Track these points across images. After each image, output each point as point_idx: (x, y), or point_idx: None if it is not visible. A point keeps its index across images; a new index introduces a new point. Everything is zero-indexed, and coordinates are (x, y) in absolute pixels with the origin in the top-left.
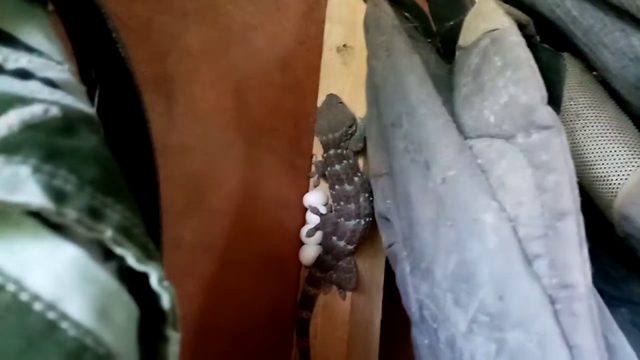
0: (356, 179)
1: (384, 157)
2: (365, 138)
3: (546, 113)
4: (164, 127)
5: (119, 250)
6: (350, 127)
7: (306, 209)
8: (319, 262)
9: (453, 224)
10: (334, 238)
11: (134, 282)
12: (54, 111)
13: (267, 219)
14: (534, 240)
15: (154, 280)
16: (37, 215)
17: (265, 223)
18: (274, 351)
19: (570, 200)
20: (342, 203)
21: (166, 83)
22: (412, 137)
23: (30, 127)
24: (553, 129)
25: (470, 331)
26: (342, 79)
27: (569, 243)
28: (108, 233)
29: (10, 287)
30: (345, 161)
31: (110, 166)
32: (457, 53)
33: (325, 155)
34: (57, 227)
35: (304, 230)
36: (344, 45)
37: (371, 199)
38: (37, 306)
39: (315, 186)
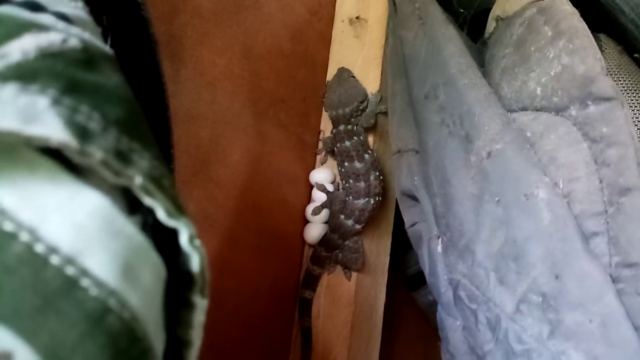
0: (367, 156)
1: (411, 131)
2: (376, 114)
3: (607, 84)
4: (170, 91)
5: (148, 201)
6: (361, 102)
7: (312, 187)
8: (324, 241)
9: (500, 201)
10: (342, 216)
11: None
12: (74, 42)
13: (272, 194)
14: (591, 218)
15: (184, 239)
16: (54, 157)
17: (270, 198)
18: (275, 329)
19: (637, 174)
20: (351, 181)
21: (173, 45)
22: (451, 109)
23: (48, 56)
24: (615, 100)
25: (518, 311)
26: (354, 53)
27: (635, 219)
28: (138, 179)
29: (24, 237)
30: (355, 137)
31: (135, 109)
32: (494, 24)
33: (334, 131)
34: (76, 171)
35: (310, 208)
36: (357, 17)
37: (381, 177)
38: (54, 260)
39: (322, 163)
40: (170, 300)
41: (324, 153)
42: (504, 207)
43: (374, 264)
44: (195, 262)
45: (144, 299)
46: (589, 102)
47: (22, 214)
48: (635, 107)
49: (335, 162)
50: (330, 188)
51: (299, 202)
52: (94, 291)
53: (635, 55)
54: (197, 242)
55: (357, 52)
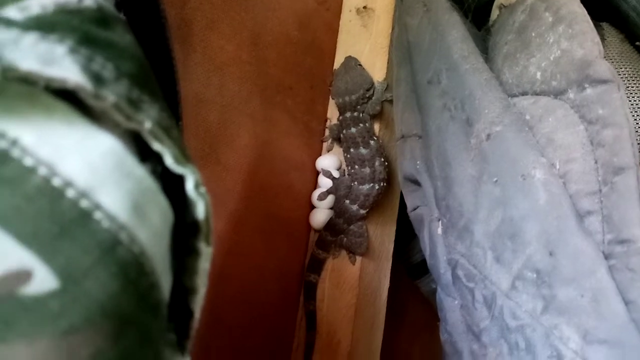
0: (372, 142)
1: (414, 117)
2: (382, 102)
3: (604, 66)
4: (179, 75)
5: (156, 146)
6: (368, 90)
7: (318, 173)
8: (329, 226)
9: (498, 181)
10: (347, 201)
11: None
12: (89, 2)
13: (278, 179)
14: (586, 197)
15: (190, 185)
16: (70, 101)
17: (276, 183)
18: (280, 312)
19: (630, 154)
20: (356, 166)
21: (184, 29)
22: (452, 93)
23: (65, 12)
24: (612, 83)
25: (513, 288)
26: (361, 42)
27: (628, 198)
28: (147, 124)
29: (42, 171)
30: (361, 124)
31: (146, 67)
32: (498, 12)
33: (340, 118)
34: (90, 116)
35: (316, 194)
36: (364, 7)
37: (386, 163)
38: (70, 193)
39: (328, 150)
40: (176, 248)
41: (330, 140)
42: (502, 187)
43: (378, 249)
44: (200, 209)
45: (152, 237)
46: (586, 85)
47: (41, 151)
48: (636, 94)
49: (341, 149)
50: (336, 174)
51: (305, 188)
52: (106, 223)
53: (637, 43)
54: (203, 189)
55: (364, 41)
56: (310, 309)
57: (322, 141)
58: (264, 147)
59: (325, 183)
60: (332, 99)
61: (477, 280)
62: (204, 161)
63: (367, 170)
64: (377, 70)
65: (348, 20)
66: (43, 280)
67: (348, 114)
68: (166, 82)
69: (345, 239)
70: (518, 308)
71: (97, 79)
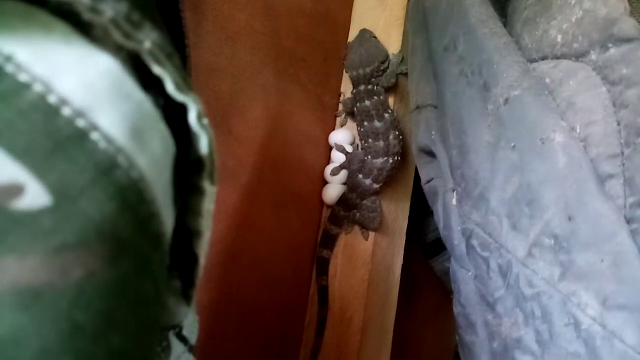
0: (387, 115)
1: (430, 86)
2: (397, 75)
3: (630, 24)
4: (190, 43)
5: (156, 70)
6: (382, 62)
7: (331, 148)
8: (342, 200)
9: (516, 146)
10: (360, 176)
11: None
12: None
13: (291, 152)
14: (607, 160)
15: (192, 116)
16: (68, 20)
17: (289, 156)
18: (292, 287)
19: None
20: (370, 140)
21: None
22: (470, 59)
23: None
24: (637, 41)
25: (530, 255)
26: (376, 14)
27: None
28: (147, 44)
29: (38, 87)
30: (375, 97)
31: (149, 1)
32: None
33: (354, 91)
34: (90, 36)
35: (329, 169)
36: None
37: (401, 137)
38: (66, 111)
39: (341, 125)
40: (180, 187)
41: (344, 115)
42: (520, 152)
43: (392, 225)
44: (204, 143)
45: (152, 164)
46: (610, 45)
47: (37, 67)
48: None
49: (354, 125)
50: (349, 149)
51: (318, 163)
52: (102, 144)
53: None
54: (205, 120)
55: (380, 14)
56: (323, 284)
57: (336, 115)
58: (276, 120)
59: (338, 158)
60: (346, 72)
61: (492, 249)
62: (215, 130)
63: (381, 143)
64: (392, 43)
65: None
66: (35, 195)
67: (362, 87)
68: (174, 39)
69: (358, 214)
70: (534, 276)
71: None
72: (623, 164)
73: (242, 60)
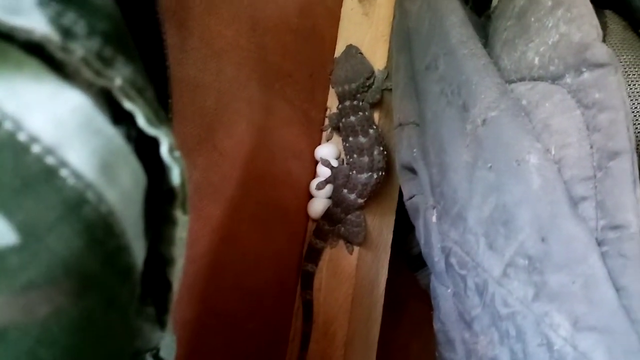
0: (371, 131)
1: (412, 104)
2: (382, 91)
3: (602, 50)
4: (176, 60)
5: (128, 105)
6: (368, 78)
7: (317, 162)
8: (327, 215)
9: (493, 167)
10: (345, 191)
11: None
12: None
13: (276, 167)
14: (580, 182)
15: (164, 149)
16: (40, 57)
17: (274, 171)
18: (277, 301)
19: (626, 138)
20: (355, 155)
21: (181, 13)
22: (449, 79)
23: None
24: (609, 66)
25: (505, 275)
26: (362, 30)
27: (622, 183)
28: (118, 81)
29: (8, 125)
30: (360, 113)
31: (122, 28)
32: None
33: (340, 106)
34: (61, 73)
35: (314, 183)
36: None
37: (385, 152)
38: (36, 148)
39: (327, 140)
40: (152, 217)
41: (329, 129)
42: (496, 173)
43: (376, 240)
44: (175, 174)
45: (122, 199)
46: (584, 69)
47: (7, 105)
48: (637, 81)
49: (340, 139)
50: (334, 163)
51: (303, 177)
52: (71, 181)
53: (639, 31)
54: (177, 153)
55: (366, 30)
56: (307, 298)
57: (322, 130)
58: (261, 135)
59: (324, 172)
60: (332, 87)
61: (470, 267)
62: (200, 146)
63: (366, 159)
64: (377, 59)
65: (350, 8)
66: (2, 234)
67: (348, 103)
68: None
69: (342, 228)
70: (509, 295)
71: (66, 32)
72: (595, 187)
73: (227, 76)
